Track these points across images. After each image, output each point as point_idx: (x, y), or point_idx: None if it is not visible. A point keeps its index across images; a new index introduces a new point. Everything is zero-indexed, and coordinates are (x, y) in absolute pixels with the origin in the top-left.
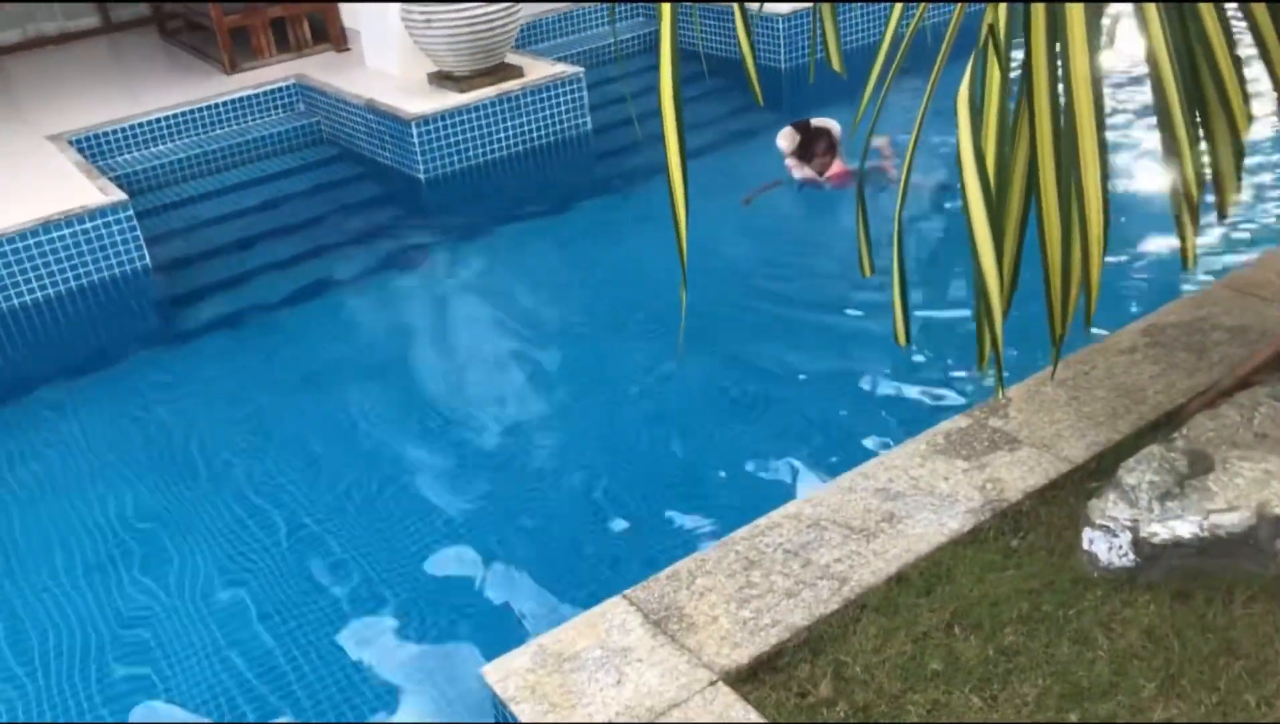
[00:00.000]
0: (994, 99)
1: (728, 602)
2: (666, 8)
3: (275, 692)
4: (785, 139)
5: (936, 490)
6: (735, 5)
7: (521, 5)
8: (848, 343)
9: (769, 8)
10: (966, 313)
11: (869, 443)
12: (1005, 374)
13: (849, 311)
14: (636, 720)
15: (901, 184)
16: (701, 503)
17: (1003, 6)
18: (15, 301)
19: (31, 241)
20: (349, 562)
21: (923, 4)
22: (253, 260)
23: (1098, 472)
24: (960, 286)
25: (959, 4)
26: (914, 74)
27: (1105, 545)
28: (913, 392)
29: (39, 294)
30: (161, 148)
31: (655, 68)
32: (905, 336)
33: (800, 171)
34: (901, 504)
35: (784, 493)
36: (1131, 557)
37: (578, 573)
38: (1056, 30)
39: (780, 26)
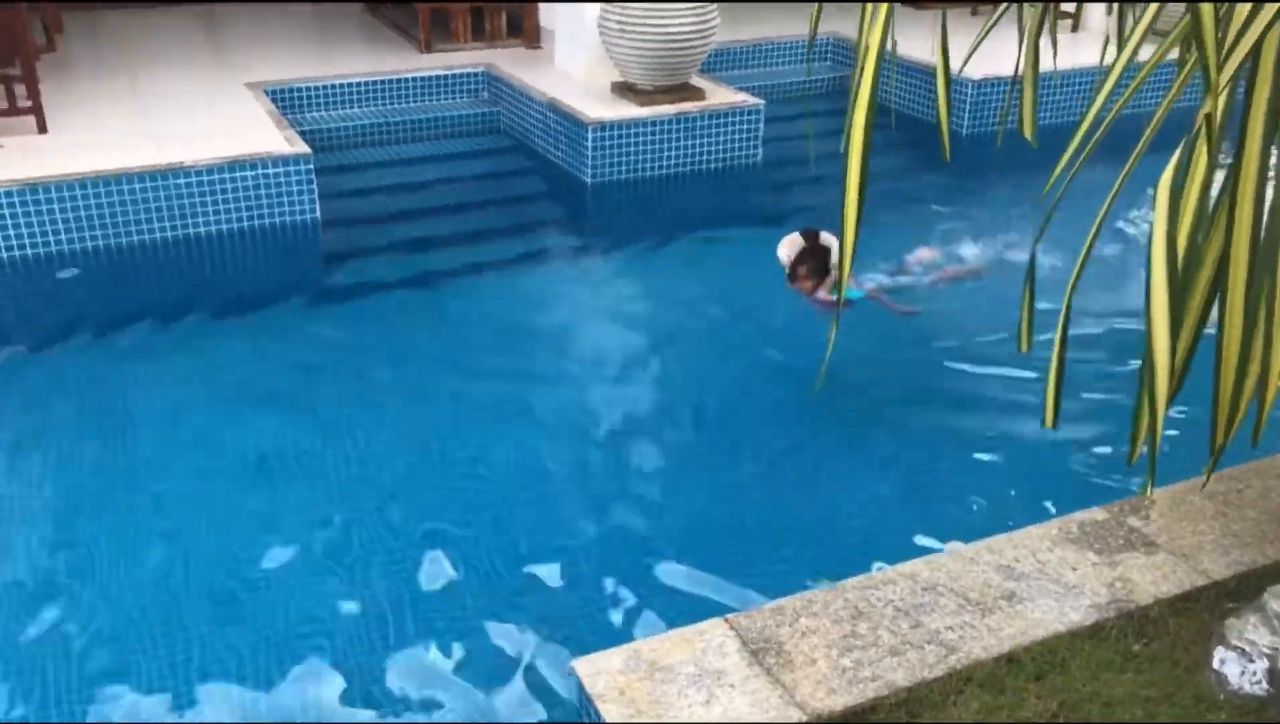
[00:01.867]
0: (1195, 187)
1: (830, 647)
2: (872, 56)
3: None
4: (786, 247)
5: (1062, 578)
6: (939, 60)
7: (715, 29)
8: (992, 416)
9: (963, 74)
10: (1119, 403)
11: (997, 519)
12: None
13: (998, 386)
14: None
15: (1078, 267)
16: (816, 548)
17: (1223, 98)
18: (191, 231)
19: (217, 177)
20: (461, 538)
21: (1132, 84)
22: (414, 232)
23: (1238, 593)
24: (1116, 378)
25: (1171, 93)
26: (1100, 160)
27: (1238, 669)
28: (1051, 476)
29: (214, 227)
30: (349, 111)
31: (837, 112)
32: (1054, 419)
33: (791, 284)
34: (1024, 585)
35: (903, 553)
36: (1265, 685)
37: (680, 591)
38: (1276, 128)
39: (969, 91)
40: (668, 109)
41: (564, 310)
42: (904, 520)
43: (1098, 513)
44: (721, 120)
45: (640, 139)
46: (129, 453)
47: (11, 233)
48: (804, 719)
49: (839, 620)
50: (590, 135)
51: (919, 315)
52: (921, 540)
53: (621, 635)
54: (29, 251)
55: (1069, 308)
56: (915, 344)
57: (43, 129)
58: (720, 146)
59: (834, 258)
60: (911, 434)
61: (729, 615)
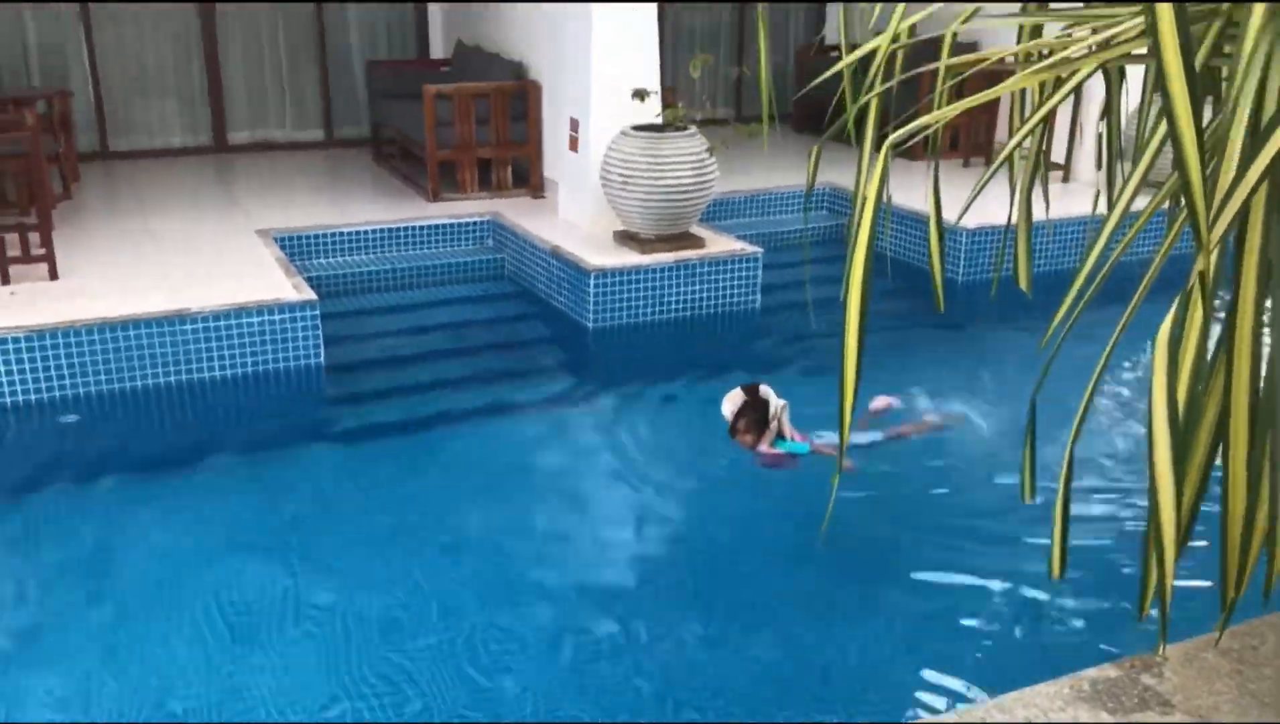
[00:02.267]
0: (1193, 341)
1: None
2: (870, 208)
3: None
4: (729, 402)
5: None
6: (932, 216)
7: (714, 180)
8: (997, 567)
9: (958, 224)
10: (1126, 549)
11: (1004, 673)
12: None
13: (1000, 536)
14: None
15: (1079, 416)
16: (819, 707)
17: (1214, 255)
18: (195, 376)
19: (223, 324)
20: (458, 692)
21: (1125, 239)
22: (417, 376)
23: None
24: (1122, 526)
25: (1164, 248)
26: (1096, 306)
27: None
28: (1058, 629)
29: (218, 372)
30: (356, 257)
31: (834, 259)
32: (1060, 570)
33: (732, 438)
34: None
35: (907, 711)
36: None
37: None
38: (1269, 281)
39: (964, 240)
40: (668, 257)
41: (564, 457)
42: (907, 677)
43: (1110, 669)
44: (721, 268)
45: (641, 286)
46: (122, 605)
47: (16, 378)
48: None
49: None
50: (592, 282)
51: (859, 472)
52: (927, 698)
53: None
54: (32, 397)
55: (1071, 457)
56: (914, 493)
57: (54, 275)
58: (720, 293)
59: (772, 410)
60: (911, 586)
61: None
